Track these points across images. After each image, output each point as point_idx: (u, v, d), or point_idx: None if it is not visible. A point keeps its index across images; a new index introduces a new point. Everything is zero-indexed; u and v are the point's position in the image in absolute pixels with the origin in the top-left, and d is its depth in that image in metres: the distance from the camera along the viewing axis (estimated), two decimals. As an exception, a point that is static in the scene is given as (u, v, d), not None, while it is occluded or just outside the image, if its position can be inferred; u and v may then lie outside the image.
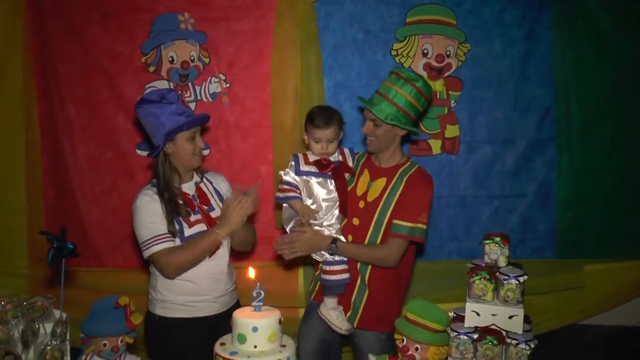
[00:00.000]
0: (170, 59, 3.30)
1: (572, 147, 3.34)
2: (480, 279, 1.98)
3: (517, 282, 1.94)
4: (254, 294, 1.95)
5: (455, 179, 3.36)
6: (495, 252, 2.04)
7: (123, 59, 3.30)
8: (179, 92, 2.46)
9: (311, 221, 2.48)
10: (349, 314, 2.53)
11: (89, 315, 2.04)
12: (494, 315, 1.97)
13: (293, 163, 2.54)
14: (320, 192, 2.51)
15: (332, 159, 2.54)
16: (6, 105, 3.35)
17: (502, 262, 2.04)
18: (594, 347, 3.35)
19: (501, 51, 3.30)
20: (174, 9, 3.26)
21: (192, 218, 2.45)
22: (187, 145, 2.43)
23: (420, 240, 2.47)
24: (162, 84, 3.31)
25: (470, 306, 1.99)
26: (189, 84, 3.32)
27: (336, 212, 2.52)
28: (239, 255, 2.89)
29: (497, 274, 1.99)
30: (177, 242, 2.42)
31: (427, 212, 2.47)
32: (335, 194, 2.52)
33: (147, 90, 3.29)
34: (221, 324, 2.46)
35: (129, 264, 3.39)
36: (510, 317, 1.95)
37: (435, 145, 3.35)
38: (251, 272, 2.03)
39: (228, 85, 3.31)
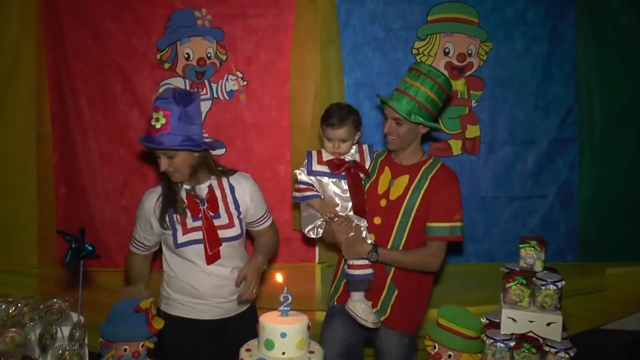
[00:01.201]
0: (186, 55, 3.23)
1: (594, 148, 3.30)
2: (516, 284, 1.92)
3: (555, 287, 1.90)
4: (281, 299, 1.91)
5: (476, 179, 3.32)
6: (531, 256, 2.00)
7: (138, 54, 3.24)
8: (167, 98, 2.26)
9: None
10: (376, 309, 2.48)
11: (108, 319, 1.98)
12: (531, 322, 1.92)
13: (306, 161, 2.48)
14: (335, 190, 2.46)
15: (348, 157, 2.47)
16: (18, 99, 3.28)
17: (538, 266, 1.99)
18: (615, 353, 3.29)
19: (523, 50, 3.26)
20: (191, 4, 3.20)
21: (190, 224, 2.36)
22: (158, 160, 2.32)
23: (459, 239, 2.43)
24: (178, 81, 3.26)
25: (506, 312, 1.93)
26: (205, 82, 3.26)
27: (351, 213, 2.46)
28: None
29: (534, 279, 1.94)
30: (146, 252, 2.50)
31: (461, 209, 2.42)
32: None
33: (162, 88, 3.25)
34: (224, 329, 2.45)
35: (113, 263, 3.33)
36: (548, 324, 1.91)
37: (456, 146, 3.30)
38: (279, 277, 1.99)
39: (245, 83, 3.25)
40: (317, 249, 3.35)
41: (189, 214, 2.35)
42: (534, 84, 3.28)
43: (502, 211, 3.35)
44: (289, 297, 1.91)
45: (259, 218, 2.55)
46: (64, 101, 3.29)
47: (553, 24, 3.25)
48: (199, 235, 2.34)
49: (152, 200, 2.39)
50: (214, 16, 3.20)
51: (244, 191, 2.47)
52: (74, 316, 2.04)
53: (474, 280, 3.35)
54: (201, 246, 2.35)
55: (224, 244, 2.38)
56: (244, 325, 2.45)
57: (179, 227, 2.34)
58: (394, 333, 2.48)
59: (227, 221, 2.39)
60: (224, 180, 2.45)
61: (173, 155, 2.27)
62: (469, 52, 3.24)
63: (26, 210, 3.36)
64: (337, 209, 2.44)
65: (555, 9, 3.24)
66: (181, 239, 2.34)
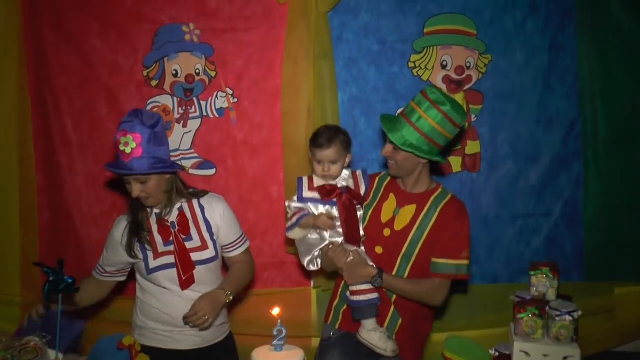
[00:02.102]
0: (174, 72, 3.11)
1: (599, 163, 3.22)
2: (529, 315, 1.78)
3: (571, 318, 1.76)
4: (275, 332, 1.79)
5: (477, 198, 3.21)
6: (544, 284, 1.86)
7: (124, 72, 3.12)
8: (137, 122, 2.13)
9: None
10: None
11: (89, 358, 1.88)
12: (545, 355, 1.78)
13: (296, 189, 2.36)
14: None
15: (340, 182, 2.34)
16: (-1, 120, 3.16)
17: (551, 295, 1.86)
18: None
19: (524, 62, 3.18)
20: (179, 19, 3.08)
21: (161, 249, 2.26)
22: (127, 187, 2.22)
23: (465, 277, 2.30)
24: (166, 99, 3.14)
25: (519, 346, 1.80)
26: (194, 99, 3.13)
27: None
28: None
29: (548, 309, 1.80)
30: (102, 277, 2.40)
31: (469, 247, 2.29)
32: None
33: (149, 106, 3.13)
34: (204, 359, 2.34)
35: (129, 291, 3.16)
36: (565, 358, 1.76)
37: (456, 163, 3.20)
38: (275, 311, 1.87)
39: (236, 100, 3.13)
40: (312, 274, 3.21)
41: (159, 238, 2.27)
42: (536, 97, 3.19)
43: (505, 230, 3.25)
44: (283, 330, 1.79)
45: (231, 243, 2.40)
46: (47, 121, 3.16)
47: (553, 35, 3.17)
48: (171, 259, 2.25)
49: (120, 228, 2.31)
50: (203, 31, 3.09)
51: (214, 211, 2.36)
52: (52, 354, 1.91)
53: (478, 303, 3.24)
54: (174, 270, 2.25)
55: (198, 267, 2.28)
56: (223, 355, 2.39)
57: (149, 253, 2.26)
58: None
59: (200, 243, 2.31)
60: (195, 202, 2.35)
61: (146, 180, 2.18)
62: (468, 64, 3.14)
63: (8, 236, 3.21)
64: (332, 239, 2.31)
65: (555, 19, 3.16)
66: (153, 264, 2.25)
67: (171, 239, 2.27)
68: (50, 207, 3.23)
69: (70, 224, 3.21)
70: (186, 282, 2.26)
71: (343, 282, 2.40)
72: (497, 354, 1.92)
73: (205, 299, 2.20)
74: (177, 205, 2.32)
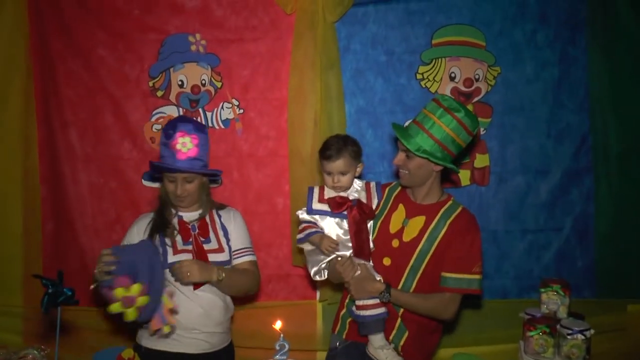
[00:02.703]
0: (179, 82, 3.09)
1: (611, 177, 3.14)
2: (539, 333, 1.72)
3: (583, 337, 1.69)
4: (277, 347, 1.80)
5: (486, 212, 3.14)
6: (554, 301, 1.80)
7: (130, 82, 3.10)
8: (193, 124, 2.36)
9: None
10: None
11: None
12: (556, 375, 1.71)
13: (306, 199, 2.35)
14: (335, 231, 2.30)
15: (352, 195, 2.32)
16: (4, 130, 3.13)
17: (562, 312, 1.80)
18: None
19: (533, 75, 3.12)
20: (185, 29, 3.06)
21: (180, 246, 2.37)
22: (169, 185, 2.38)
23: (477, 292, 2.24)
24: (171, 110, 3.11)
25: (528, 365, 1.73)
26: (200, 110, 3.11)
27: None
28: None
29: (559, 327, 1.74)
30: None
31: (481, 261, 2.25)
32: None
33: (155, 117, 3.12)
34: None
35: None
36: (576, 379, 1.69)
37: (464, 176, 3.14)
38: (277, 324, 1.87)
39: (242, 111, 3.10)
40: (318, 286, 3.15)
41: (179, 238, 2.38)
42: (546, 110, 3.12)
43: (514, 245, 3.18)
44: (286, 345, 1.80)
45: (239, 249, 2.49)
46: (52, 132, 3.14)
47: (563, 48, 3.11)
48: (188, 257, 2.33)
49: (142, 224, 2.43)
50: (209, 41, 3.06)
51: (229, 218, 2.52)
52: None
53: (487, 318, 3.17)
54: None
55: None
56: None
57: (169, 249, 2.35)
58: None
59: (217, 246, 2.42)
60: (214, 212, 2.52)
61: (192, 179, 2.36)
62: (476, 77, 3.09)
63: (11, 246, 3.18)
64: (339, 252, 2.28)
65: (565, 32, 3.11)
66: (171, 258, 2.32)
67: (190, 239, 2.38)
68: (54, 218, 3.20)
69: (74, 235, 3.18)
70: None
71: (349, 294, 2.36)
72: (506, 372, 1.86)
73: (198, 262, 2.28)
74: (200, 211, 2.46)
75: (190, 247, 2.36)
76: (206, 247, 2.39)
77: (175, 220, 2.43)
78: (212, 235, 2.43)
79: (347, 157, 2.25)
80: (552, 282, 1.85)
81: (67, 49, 3.09)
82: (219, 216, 2.50)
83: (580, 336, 1.70)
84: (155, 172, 2.47)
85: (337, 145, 2.26)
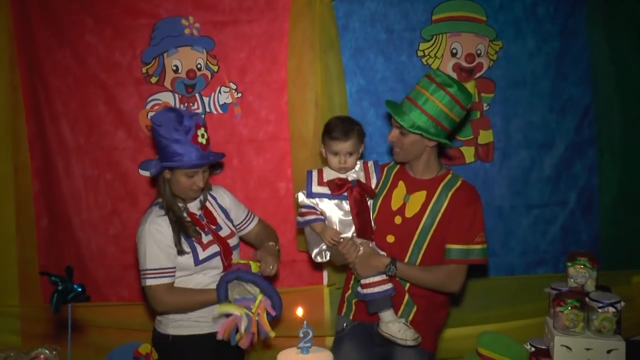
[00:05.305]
0: (174, 68, 2.99)
1: (614, 149, 3.13)
2: (569, 307, 1.69)
3: (614, 310, 1.66)
4: (301, 334, 1.74)
5: (491, 188, 3.11)
6: (582, 274, 1.77)
7: (121, 69, 2.98)
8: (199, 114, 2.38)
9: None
10: None
11: None
12: (588, 349, 1.69)
13: (306, 183, 2.34)
14: (336, 214, 2.30)
15: (351, 175, 2.32)
16: (-10, 126, 3.01)
17: (590, 286, 1.77)
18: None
19: (535, 48, 3.07)
20: (177, 12, 2.95)
21: (205, 239, 2.35)
22: (184, 180, 2.30)
23: (482, 261, 2.27)
24: (167, 96, 3.01)
25: (559, 340, 1.71)
26: (196, 95, 3.01)
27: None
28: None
29: (588, 300, 1.71)
30: (186, 271, 2.34)
31: (484, 230, 2.27)
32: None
33: (149, 104, 3.00)
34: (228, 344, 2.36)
35: (134, 296, 3.08)
36: (609, 352, 1.67)
37: (468, 153, 3.10)
38: (299, 311, 1.84)
39: (240, 95, 3.02)
40: (325, 271, 3.12)
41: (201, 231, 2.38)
42: (548, 84, 3.09)
43: (520, 221, 3.15)
44: (310, 332, 1.74)
45: (244, 219, 2.60)
46: (42, 125, 3.02)
47: (564, 22, 3.07)
48: (216, 248, 2.36)
49: (163, 230, 2.31)
50: (203, 24, 2.96)
51: (223, 197, 2.55)
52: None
53: (494, 296, 3.15)
54: (218, 259, 2.37)
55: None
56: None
57: (197, 246, 2.33)
58: (414, 351, 2.26)
59: (229, 231, 2.46)
60: (208, 195, 2.51)
61: (206, 169, 2.34)
62: (478, 52, 3.04)
63: (4, 245, 3.08)
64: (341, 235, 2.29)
65: (565, 5, 3.06)
66: (202, 255, 2.33)
67: (206, 229, 2.38)
68: (48, 214, 3.10)
69: (70, 231, 3.08)
70: (227, 267, 2.36)
71: (354, 275, 2.36)
72: (533, 349, 1.83)
73: (263, 252, 2.36)
74: (200, 199, 2.44)
75: (211, 238, 2.37)
76: (221, 234, 2.42)
77: (185, 214, 2.38)
78: (220, 221, 2.45)
79: (355, 137, 2.28)
80: (580, 255, 1.83)
81: (53, 37, 2.96)
82: (214, 198, 2.51)
83: (611, 309, 1.68)
84: (176, 168, 2.29)
85: (344, 126, 2.27)
